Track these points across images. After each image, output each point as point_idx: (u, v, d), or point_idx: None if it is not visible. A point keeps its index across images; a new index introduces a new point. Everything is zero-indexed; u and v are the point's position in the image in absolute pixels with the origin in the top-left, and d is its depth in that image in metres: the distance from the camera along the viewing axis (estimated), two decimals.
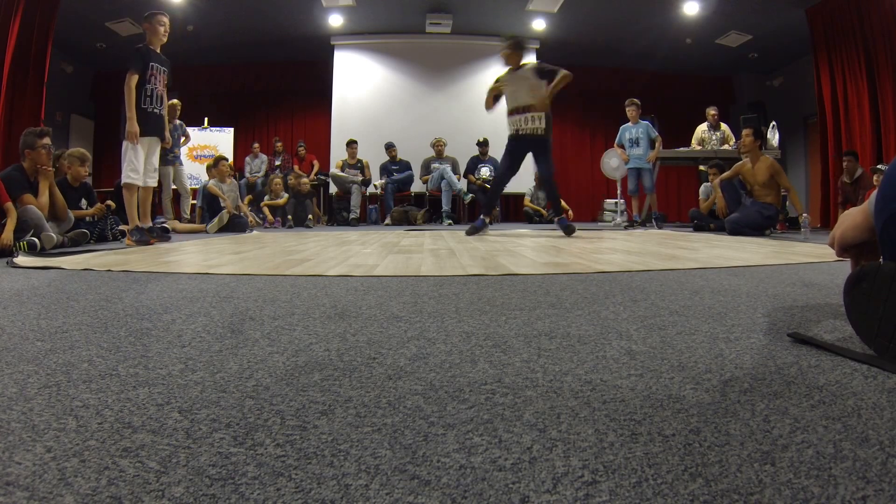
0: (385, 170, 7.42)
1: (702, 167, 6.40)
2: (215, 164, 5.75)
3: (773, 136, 5.76)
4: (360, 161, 7.34)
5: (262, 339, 0.81)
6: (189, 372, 0.64)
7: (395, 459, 0.41)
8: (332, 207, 7.38)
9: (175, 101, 5.51)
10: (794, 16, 6.69)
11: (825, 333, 0.82)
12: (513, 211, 8.58)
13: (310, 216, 6.39)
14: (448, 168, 7.10)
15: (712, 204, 5.05)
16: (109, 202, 3.98)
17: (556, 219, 3.95)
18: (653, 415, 0.50)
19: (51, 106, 6.35)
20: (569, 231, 3.72)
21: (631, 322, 0.91)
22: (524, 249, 2.51)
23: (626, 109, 5.80)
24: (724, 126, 6.28)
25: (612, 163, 6.32)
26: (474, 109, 6.72)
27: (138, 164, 3.22)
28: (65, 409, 0.52)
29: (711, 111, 6.29)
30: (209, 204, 5.48)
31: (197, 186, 6.41)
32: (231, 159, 6.68)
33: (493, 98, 3.96)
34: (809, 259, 2.02)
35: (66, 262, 2.02)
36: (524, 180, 7.13)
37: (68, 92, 7.93)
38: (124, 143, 3.22)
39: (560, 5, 6.90)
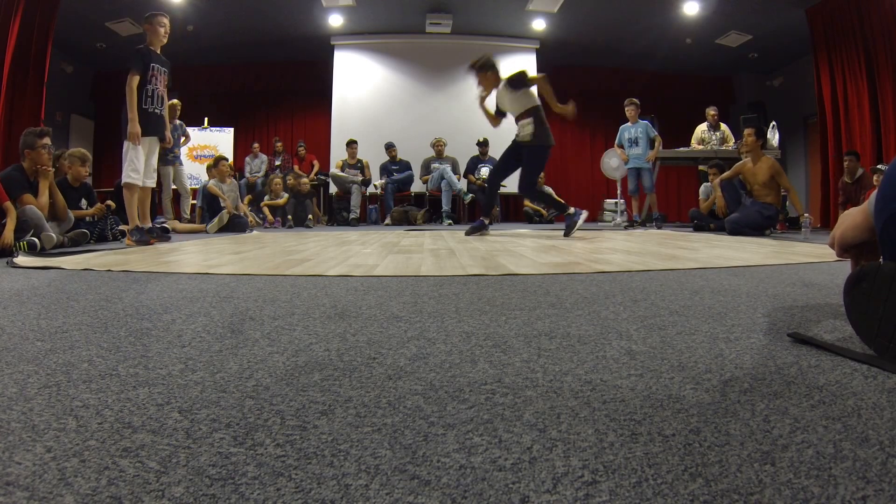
0: (385, 170, 7.42)
1: (701, 167, 6.39)
2: (215, 164, 5.75)
3: (773, 136, 5.76)
4: (360, 161, 7.34)
5: (262, 339, 0.81)
6: (189, 372, 0.64)
7: (395, 459, 0.41)
8: (332, 207, 7.38)
9: (175, 101, 5.51)
10: (794, 16, 6.70)
11: (825, 333, 0.82)
12: (513, 211, 8.58)
13: (310, 216, 6.39)
14: (448, 168, 7.10)
15: (712, 204, 5.05)
16: (109, 202, 3.98)
17: (564, 215, 3.82)
18: (653, 415, 0.50)
19: (51, 106, 6.35)
20: (567, 230, 3.67)
21: (631, 322, 0.91)
22: (524, 249, 2.51)
23: (626, 109, 5.80)
24: (723, 126, 6.28)
25: (612, 163, 6.32)
26: (474, 109, 6.68)
27: (139, 164, 3.23)
28: (65, 409, 0.52)
29: (711, 111, 6.29)
30: (209, 204, 5.48)
31: (197, 186, 6.41)
32: (231, 159, 6.68)
33: (495, 116, 3.96)
34: (809, 259, 2.02)
35: (66, 262, 2.02)
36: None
37: (68, 92, 7.93)
38: (125, 143, 3.22)
39: (560, 5, 6.90)
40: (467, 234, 3.87)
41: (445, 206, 6.95)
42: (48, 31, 5.60)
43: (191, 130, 6.52)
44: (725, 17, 6.94)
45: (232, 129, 8.41)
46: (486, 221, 3.98)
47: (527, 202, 7.71)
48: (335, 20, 7.50)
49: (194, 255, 2.46)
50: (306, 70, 8.76)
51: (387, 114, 8.20)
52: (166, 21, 3.39)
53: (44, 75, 5.58)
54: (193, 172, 7.46)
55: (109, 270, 1.75)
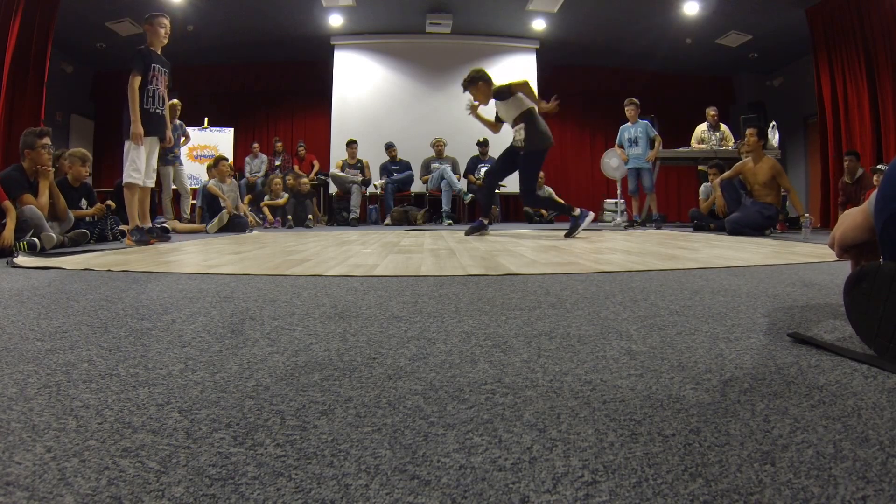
0: (385, 170, 7.42)
1: (701, 167, 6.39)
2: (215, 164, 5.76)
3: (773, 136, 5.76)
4: (360, 161, 7.34)
5: (262, 339, 0.81)
6: (189, 372, 0.64)
7: (395, 459, 0.41)
8: (332, 207, 7.38)
9: (175, 101, 5.51)
10: (794, 16, 6.70)
11: (825, 333, 0.82)
12: (513, 211, 8.59)
13: (310, 216, 6.39)
14: (448, 168, 7.10)
15: (712, 204, 5.05)
16: (109, 202, 3.98)
17: (570, 216, 3.80)
18: (653, 415, 0.50)
19: (51, 106, 6.35)
20: (570, 231, 3.66)
21: (631, 322, 0.91)
22: (524, 249, 2.51)
23: (625, 109, 5.80)
24: (723, 126, 6.28)
25: (612, 163, 6.32)
26: None
27: (141, 164, 3.24)
28: (65, 409, 0.52)
29: (711, 111, 6.29)
30: (209, 204, 5.48)
31: (197, 186, 6.41)
32: (231, 159, 6.68)
33: (495, 122, 3.97)
34: (809, 259, 2.02)
35: (66, 262, 2.02)
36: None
37: (68, 92, 7.93)
38: (126, 143, 3.24)
39: (560, 5, 6.90)
40: (467, 234, 3.87)
41: (445, 206, 6.95)
42: (48, 31, 5.61)
43: (191, 130, 6.52)
44: (725, 17, 6.94)
45: (232, 129, 8.41)
46: (486, 221, 3.98)
47: None
48: (335, 20, 7.50)
49: (194, 255, 2.46)
50: (306, 70, 8.77)
51: (387, 114, 8.20)
52: (167, 22, 3.40)
53: (44, 75, 5.59)
54: (193, 172, 7.46)
55: (109, 270, 1.75)
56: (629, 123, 5.81)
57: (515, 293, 1.23)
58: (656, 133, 5.72)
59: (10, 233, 2.59)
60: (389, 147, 7.43)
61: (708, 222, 5.12)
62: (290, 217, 6.24)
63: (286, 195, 6.42)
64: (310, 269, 1.71)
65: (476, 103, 3.92)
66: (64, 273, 1.72)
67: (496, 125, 3.99)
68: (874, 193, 0.76)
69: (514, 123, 3.73)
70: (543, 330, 0.86)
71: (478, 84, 3.81)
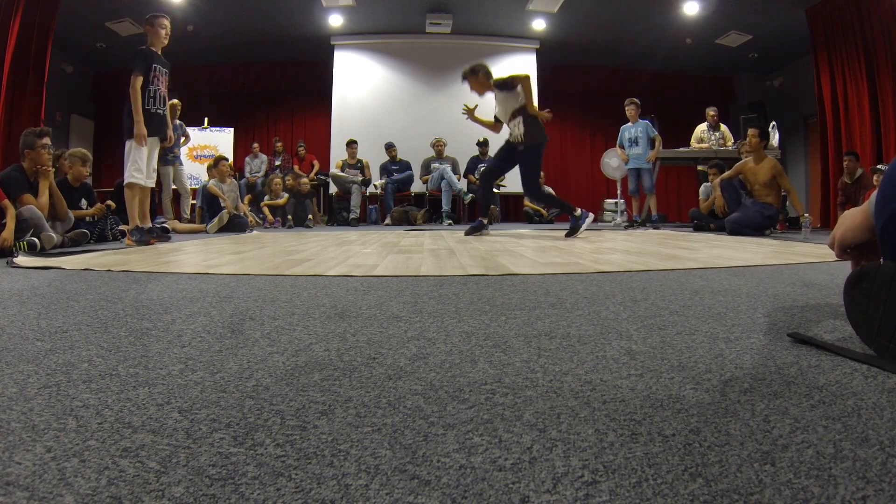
0: (385, 170, 7.43)
1: (700, 167, 6.39)
2: (215, 164, 5.76)
3: (773, 136, 5.76)
4: (360, 161, 7.34)
5: (262, 339, 0.81)
6: (189, 372, 0.64)
7: (395, 459, 0.41)
8: (332, 207, 7.38)
9: (175, 101, 5.52)
10: (794, 16, 6.70)
11: (825, 333, 0.82)
12: (513, 211, 8.58)
13: (310, 216, 6.39)
14: (448, 168, 7.10)
15: (712, 204, 5.05)
16: (109, 202, 3.98)
17: (570, 216, 3.79)
18: (653, 415, 0.50)
19: (51, 106, 6.35)
20: (571, 231, 3.66)
21: (631, 322, 0.91)
22: (524, 249, 2.51)
23: (626, 109, 5.80)
24: (723, 126, 6.28)
25: (613, 163, 6.32)
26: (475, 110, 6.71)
27: (142, 164, 3.25)
28: (65, 409, 0.52)
29: (711, 112, 6.29)
30: (209, 204, 5.48)
31: (197, 186, 6.41)
32: (231, 159, 6.68)
33: (495, 122, 3.98)
34: (809, 259, 2.02)
35: (66, 262, 2.02)
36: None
37: (68, 92, 7.93)
38: (127, 143, 3.24)
39: (560, 5, 6.90)
40: (467, 234, 3.86)
41: (445, 206, 6.95)
42: (48, 31, 5.61)
43: (191, 130, 6.52)
44: (725, 17, 6.94)
45: (232, 129, 8.41)
46: (485, 221, 3.97)
47: (527, 202, 7.71)
48: (335, 20, 7.50)
49: (194, 255, 2.46)
50: (306, 70, 8.76)
51: (387, 114, 8.20)
52: (167, 23, 3.41)
53: (44, 75, 5.58)
54: (193, 172, 7.46)
55: (109, 270, 1.75)
56: (629, 123, 5.81)
57: (515, 293, 1.23)
58: (656, 133, 5.72)
59: (9, 233, 2.59)
60: (389, 147, 7.43)
61: (708, 222, 5.12)
62: (290, 217, 6.24)
63: (286, 195, 6.43)
64: (310, 269, 1.71)
65: (472, 107, 3.93)
66: (64, 273, 1.72)
67: (496, 125, 3.99)
68: (874, 194, 0.76)
69: (513, 117, 3.72)
70: (543, 330, 0.86)
71: (478, 75, 3.82)
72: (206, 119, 8.16)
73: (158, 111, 3.35)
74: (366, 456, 0.42)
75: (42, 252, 2.63)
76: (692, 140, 6.35)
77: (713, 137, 6.21)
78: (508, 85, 3.68)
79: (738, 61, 8.45)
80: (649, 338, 0.80)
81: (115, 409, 0.52)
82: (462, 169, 7.49)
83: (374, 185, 7.41)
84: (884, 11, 5.62)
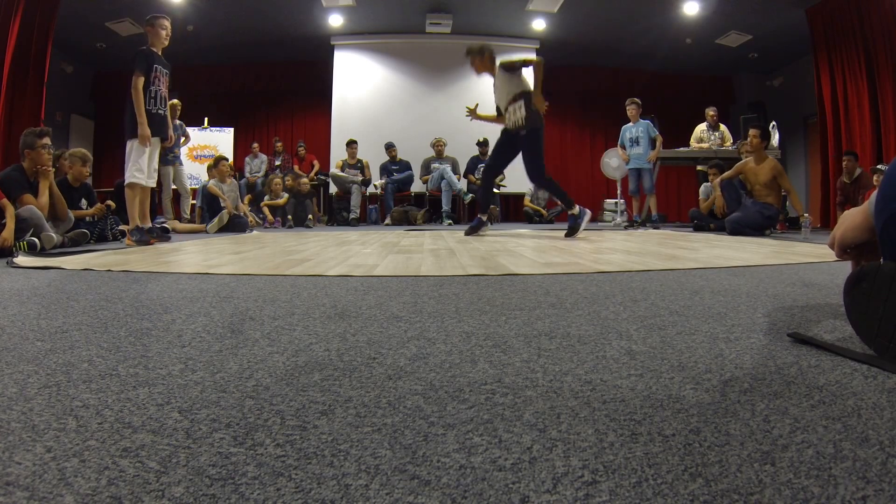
0: (385, 170, 7.43)
1: (700, 167, 6.40)
2: (215, 164, 5.76)
3: (773, 136, 5.76)
4: (360, 161, 7.34)
5: (262, 339, 0.81)
6: (189, 372, 0.64)
7: (395, 459, 0.41)
8: (332, 207, 7.38)
9: (175, 101, 5.52)
10: (794, 16, 6.70)
11: (825, 333, 0.82)
12: (513, 211, 8.58)
13: (310, 216, 6.39)
14: (448, 168, 7.10)
15: (712, 204, 5.05)
16: (109, 202, 3.98)
17: (568, 214, 3.76)
18: (653, 415, 0.50)
19: (51, 106, 6.35)
20: (571, 231, 3.65)
21: (631, 322, 0.91)
22: (524, 249, 2.51)
23: (627, 108, 5.79)
24: (722, 126, 6.29)
25: (613, 163, 6.32)
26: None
27: (144, 165, 3.26)
28: (65, 409, 0.52)
29: (710, 112, 6.29)
30: (209, 204, 5.48)
31: (197, 186, 6.41)
32: (231, 159, 6.68)
33: (497, 115, 3.98)
34: (809, 259, 2.02)
35: (66, 262, 2.02)
36: (524, 180, 7.10)
37: (68, 92, 7.93)
38: (128, 143, 3.25)
39: (560, 5, 6.90)
40: (466, 234, 3.86)
41: (445, 206, 6.95)
42: (48, 31, 5.61)
43: (191, 130, 6.52)
44: (725, 17, 6.94)
45: (232, 129, 8.41)
46: (484, 219, 3.95)
47: (527, 202, 7.71)
48: (335, 20, 7.50)
49: (194, 255, 2.46)
50: (306, 70, 8.77)
51: (387, 114, 8.20)
52: (167, 24, 3.42)
53: (44, 75, 5.59)
54: (193, 172, 7.46)
55: (109, 270, 1.75)
56: (631, 123, 5.81)
57: (515, 293, 1.23)
58: (657, 133, 5.72)
59: (9, 232, 2.59)
60: (389, 147, 7.43)
61: (708, 222, 5.12)
62: (290, 217, 6.24)
63: (286, 195, 6.43)
64: (310, 269, 1.71)
65: (474, 106, 3.94)
66: (64, 273, 1.72)
67: (500, 117, 3.97)
68: (874, 194, 0.76)
69: (513, 100, 3.70)
70: (543, 330, 0.86)
71: (484, 55, 3.83)
72: (206, 119, 8.16)
73: (159, 111, 3.36)
74: (366, 456, 0.42)
75: (42, 252, 2.63)
76: (692, 140, 6.35)
77: (713, 137, 6.21)
78: (515, 67, 3.68)
79: (738, 61, 8.45)
80: (649, 338, 0.80)
81: (115, 409, 0.52)
82: (462, 169, 7.49)
83: (374, 185, 7.41)
84: (884, 11, 5.62)
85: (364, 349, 0.75)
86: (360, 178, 7.14)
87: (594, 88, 9.08)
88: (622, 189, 6.67)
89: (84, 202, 3.76)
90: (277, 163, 7.57)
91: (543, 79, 3.67)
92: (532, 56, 3.75)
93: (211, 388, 0.58)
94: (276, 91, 8.99)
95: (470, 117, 4.00)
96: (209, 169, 6.09)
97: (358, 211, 6.98)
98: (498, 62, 3.79)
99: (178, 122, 5.78)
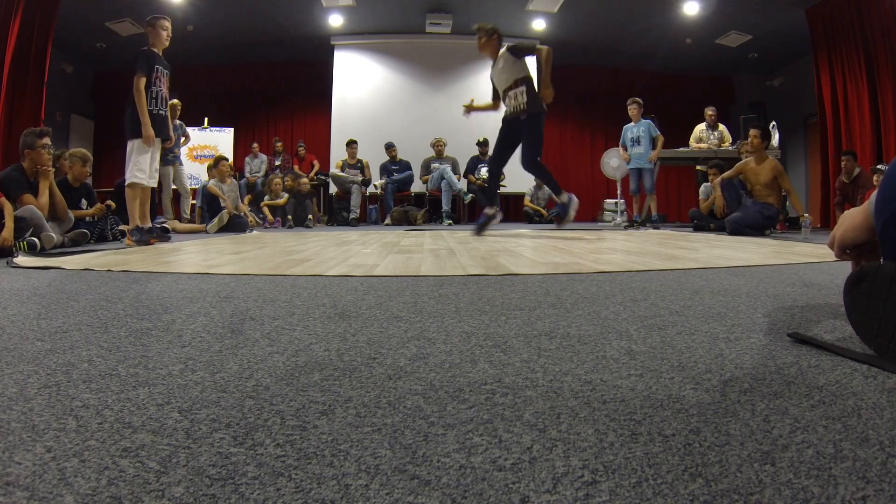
0: (385, 170, 7.43)
1: (699, 167, 6.40)
2: (215, 164, 5.76)
3: (773, 136, 5.76)
4: (360, 161, 7.35)
5: (262, 339, 0.81)
6: (189, 372, 0.64)
7: (395, 459, 0.41)
8: (332, 207, 7.39)
9: (175, 101, 5.52)
10: (794, 16, 6.70)
11: (825, 333, 0.82)
12: (513, 211, 8.58)
13: (310, 216, 6.39)
14: (448, 168, 7.11)
15: (712, 204, 5.05)
16: (109, 202, 3.98)
17: (557, 201, 3.74)
18: (653, 415, 0.50)
19: (51, 106, 6.35)
20: (560, 219, 3.64)
21: (631, 322, 0.91)
22: (524, 249, 2.51)
23: (629, 108, 5.79)
24: (721, 126, 6.29)
25: (613, 163, 6.32)
26: None
27: (145, 165, 3.26)
28: (65, 409, 0.52)
29: (709, 111, 6.30)
30: (209, 204, 5.48)
31: (197, 186, 6.41)
32: (231, 159, 6.68)
33: (493, 101, 3.98)
34: (809, 259, 2.02)
35: (66, 262, 2.02)
36: (524, 180, 7.12)
37: (68, 92, 7.94)
38: (129, 143, 3.25)
39: (560, 5, 6.91)
40: (475, 233, 3.82)
41: (445, 206, 6.95)
42: (48, 31, 5.61)
43: (191, 130, 6.52)
44: (725, 17, 6.95)
45: (232, 129, 8.41)
46: (491, 213, 3.92)
47: (527, 201, 7.71)
48: (335, 20, 7.50)
49: (194, 255, 2.46)
50: (306, 70, 8.77)
51: (387, 114, 8.20)
52: (168, 24, 3.42)
53: (44, 75, 5.59)
54: (193, 172, 7.46)
55: (109, 270, 1.75)
56: (632, 123, 5.81)
57: (515, 293, 1.23)
58: (659, 132, 5.72)
59: (9, 232, 2.59)
60: (389, 147, 7.43)
61: (708, 222, 5.12)
62: (290, 217, 6.25)
63: (286, 195, 6.43)
64: (310, 269, 1.71)
65: (470, 102, 3.99)
66: (64, 273, 1.72)
67: (495, 103, 3.98)
68: (874, 193, 0.76)
69: (515, 85, 3.69)
70: (543, 330, 0.86)
71: (493, 36, 3.83)
72: (206, 119, 8.16)
73: (160, 112, 3.37)
74: (366, 456, 0.42)
75: (42, 252, 2.63)
76: (691, 140, 6.35)
77: (712, 137, 6.21)
78: (523, 52, 3.68)
79: (738, 61, 8.45)
80: (649, 338, 0.80)
81: (115, 409, 0.52)
82: (462, 169, 7.49)
83: (374, 185, 7.41)
84: (884, 11, 5.62)
85: (364, 349, 0.75)
86: (360, 178, 7.14)
87: (594, 88, 9.08)
88: (622, 189, 6.67)
89: (84, 202, 3.76)
90: (277, 163, 7.57)
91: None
92: (541, 44, 3.74)
93: (211, 388, 0.58)
94: (276, 91, 8.99)
95: (467, 114, 4.00)
96: (209, 169, 6.09)
97: (358, 211, 6.99)
98: (506, 45, 3.80)
99: (178, 122, 5.78)
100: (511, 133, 3.77)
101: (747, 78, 9.02)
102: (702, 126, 6.32)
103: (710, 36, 7.54)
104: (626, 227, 5.65)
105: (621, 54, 8.41)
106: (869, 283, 0.70)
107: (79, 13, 6.41)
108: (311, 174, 7.42)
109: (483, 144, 7.42)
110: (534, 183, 7.43)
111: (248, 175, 7.48)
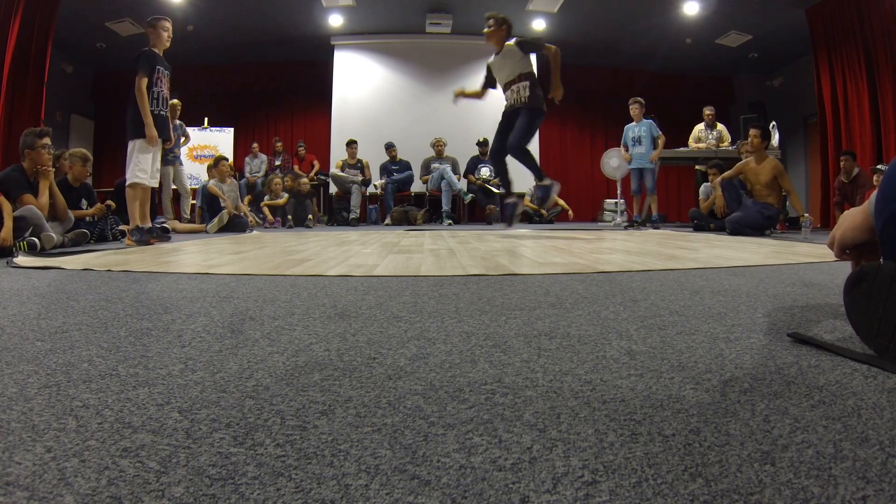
0: (385, 170, 7.43)
1: (698, 167, 6.39)
2: (215, 164, 5.76)
3: (774, 136, 5.76)
4: (360, 161, 7.35)
5: (262, 339, 0.81)
6: (189, 372, 0.64)
7: (395, 459, 0.41)
8: (332, 207, 7.38)
9: (175, 101, 5.52)
10: (794, 16, 6.70)
11: (825, 333, 0.82)
12: None
13: (310, 216, 6.39)
14: (448, 168, 7.11)
15: (712, 204, 5.05)
16: (109, 202, 3.98)
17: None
18: (653, 415, 0.50)
19: (51, 106, 6.35)
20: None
21: (631, 322, 0.91)
22: (524, 249, 2.51)
23: (630, 108, 5.79)
24: (720, 125, 6.29)
25: (612, 162, 6.31)
26: (474, 109, 6.74)
27: (147, 165, 3.27)
28: (65, 409, 0.52)
29: (707, 111, 6.30)
30: (209, 204, 5.48)
31: (197, 186, 6.41)
32: (231, 159, 6.68)
33: (482, 89, 4.00)
34: (809, 259, 2.02)
35: (66, 262, 2.02)
36: (525, 180, 7.11)
37: (68, 92, 7.93)
38: (130, 143, 3.26)
39: (560, 5, 6.90)
40: (508, 225, 3.88)
41: (445, 206, 6.95)
42: (48, 31, 5.61)
43: (191, 130, 6.52)
44: (725, 17, 6.95)
45: (232, 129, 8.41)
46: (512, 200, 3.95)
47: (526, 202, 7.70)
48: (335, 20, 7.50)
49: (194, 255, 2.46)
50: (306, 70, 8.76)
51: (387, 114, 8.20)
52: (169, 25, 3.43)
53: (44, 75, 5.59)
54: (193, 172, 7.46)
55: (109, 270, 1.75)
56: (634, 123, 5.81)
57: (515, 293, 1.23)
58: (660, 132, 5.72)
59: (8, 231, 2.59)
60: (389, 147, 7.43)
61: (708, 222, 5.12)
62: (290, 217, 6.24)
63: (286, 195, 6.43)
64: (310, 269, 1.71)
65: (459, 90, 4.05)
66: (64, 273, 1.72)
67: (482, 91, 4.01)
68: (874, 193, 0.76)
69: (518, 80, 3.70)
70: (543, 330, 0.86)
71: (503, 27, 3.82)
72: (206, 119, 8.16)
73: (161, 113, 3.38)
74: (366, 456, 0.42)
75: (42, 252, 2.63)
76: (690, 140, 6.35)
77: (710, 137, 6.21)
78: (529, 47, 3.69)
79: (738, 61, 8.45)
80: (649, 338, 0.80)
81: (115, 409, 0.52)
82: (462, 169, 7.49)
83: (374, 185, 7.41)
84: (884, 11, 5.62)
85: (364, 349, 0.75)
86: (360, 178, 7.14)
87: (594, 88, 9.08)
88: (622, 189, 6.67)
89: (84, 202, 3.76)
90: (277, 163, 7.57)
91: (545, 78, 3.70)
92: (550, 45, 3.76)
93: (211, 388, 0.58)
94: (276, 91, 8.99)
95: (456, 101, 4.03)
96: (209, 169, 6.09)
97: (358, 211, 6.99)
98: (514, 39, 3.81)
99: (178, 122, 5.78)
100: (510, 126, 3.80)
101: (747, 78, 9.02)
102: (700, 126, 6.32)
103: (710, 36, 7.54)
104: (626, 227, 5.65)
105: (621, 54, 8.40)
106: (869, 283, 0.70)
107: (79, 13, 6.41)
108: (311, 174, 7.42)
109: (483, 144, 7.41)
110: (534, 183, 7.42)
111: (248, 175, 7.48)
